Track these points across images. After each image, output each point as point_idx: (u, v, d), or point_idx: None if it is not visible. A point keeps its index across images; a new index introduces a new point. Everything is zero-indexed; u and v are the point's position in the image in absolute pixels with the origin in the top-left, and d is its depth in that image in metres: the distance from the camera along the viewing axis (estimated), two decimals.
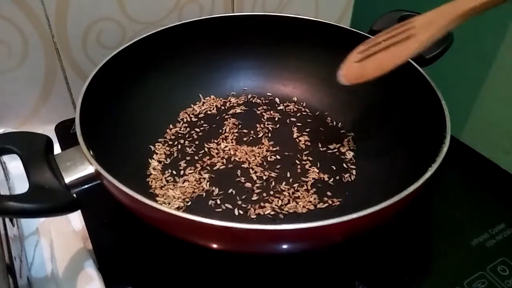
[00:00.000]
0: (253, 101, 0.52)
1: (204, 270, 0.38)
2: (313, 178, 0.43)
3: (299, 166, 0.45)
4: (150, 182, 0.43)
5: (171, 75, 0.49)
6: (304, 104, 0.52)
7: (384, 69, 0.37)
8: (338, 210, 0.41)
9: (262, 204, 0.41)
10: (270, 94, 0.53)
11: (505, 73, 0.55)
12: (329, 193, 0.42)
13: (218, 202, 0.41)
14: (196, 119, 0.50)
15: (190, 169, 0.44)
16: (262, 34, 0.51)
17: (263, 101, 0.52)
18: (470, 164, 0.48)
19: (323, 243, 0.34)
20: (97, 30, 0.49)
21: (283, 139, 0.48)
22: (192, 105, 0.51)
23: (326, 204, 0.41)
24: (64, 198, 0.32)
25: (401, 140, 0.43)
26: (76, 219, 0.41)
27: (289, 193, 0.42)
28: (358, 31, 0.47)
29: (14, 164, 0.46)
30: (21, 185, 0.45)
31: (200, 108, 0.51)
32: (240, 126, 0.49)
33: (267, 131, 0.49)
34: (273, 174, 0.44)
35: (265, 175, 0.44)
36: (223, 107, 0.51)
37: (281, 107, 0.52)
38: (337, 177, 0.44)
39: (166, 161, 0.45)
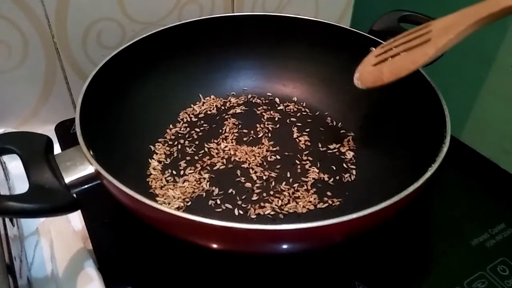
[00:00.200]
0: (253, 101, 0.52)
1: (204, 270, 0.38)
2: (313, 178, 0.43)
3: (299, 166, 0.45)
4: (150, 182, 0.43)
5: (171, 75, 0.49)
6: (304, 104, 0.52)
7: (400, 74, 0.36)
8: (338, 210, 0.41)
9: (262, 204, 0.41)
10: (270, 94, 0.53)
11: (505, 73, 0.55)
12: (329, 193, 0.42)
13: (218, 202, 0.41)
14: (196, 119, 0.50)
15: (190, 169, 0.44)
16: (262, 34, 0.51)
17: (263, 101, 0.52)
18: (470, 164, 0.48)
19: (323, 243, 0.34)
20: (97, 30, 0.49)
21: (283, 139, 0.48)
22: (192, 105, 0.51)
23: (326, 204, 0.41)
24: (64, 198, 0.32)
25: (401, 140, 0.43)
26: (76, 219, 0.41)
27: (289, 193, 0.42)
28: (358, 31, 0.47)
29: (14, 164, 0.46)
30: (21, 185, 0.45)
31: (200, 108, 0.51)
32: (240, 126, 0.49)
33: (267, 131, 0.49)
34: (273, 174, 0.44)
35: (265, 175, 0.44)
36: (223, 107, 0.51)
37: (281, 107, 0.52)
38: (337, 177, 0.44)
39: (166, 161, 0.45)
